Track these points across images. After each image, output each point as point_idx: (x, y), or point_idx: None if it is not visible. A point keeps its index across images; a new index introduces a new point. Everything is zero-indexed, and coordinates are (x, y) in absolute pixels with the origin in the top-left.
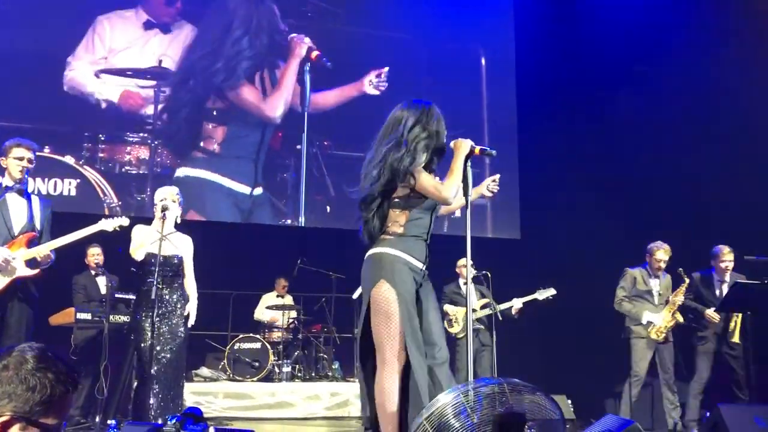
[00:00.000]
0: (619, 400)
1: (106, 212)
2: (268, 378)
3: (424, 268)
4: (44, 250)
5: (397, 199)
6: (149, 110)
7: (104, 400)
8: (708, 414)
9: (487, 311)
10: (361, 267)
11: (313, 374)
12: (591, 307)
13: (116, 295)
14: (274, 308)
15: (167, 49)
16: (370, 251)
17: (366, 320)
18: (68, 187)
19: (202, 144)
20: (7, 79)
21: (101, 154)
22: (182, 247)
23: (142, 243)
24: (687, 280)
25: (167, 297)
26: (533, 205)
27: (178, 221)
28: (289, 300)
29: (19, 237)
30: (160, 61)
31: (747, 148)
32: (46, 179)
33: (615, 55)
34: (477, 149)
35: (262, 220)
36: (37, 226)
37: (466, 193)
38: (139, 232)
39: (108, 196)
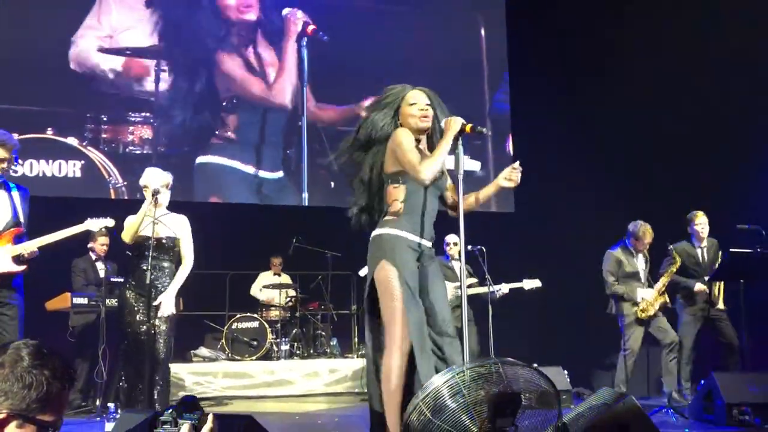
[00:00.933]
0: (613, 372)
1: (113, 194)
2: (267, 356)
3: (426, 245)
4: (32, 246)
5: (391, 175)
6: (151, 89)
7: (103, 384)
8: (702, 382)
9: (473, 291)
10: (358, 245)
11: (312, 351)
12: (586, 279)
13: (112, 279)
14: (270, 287)
15: (169, 28)
16: (373, 233)
17: (369, 301)
18: (73, 168)
19: (214, 128)
20: (9, 62)
21: (104, 135)
22: (177, 227)
23: (133, 227)
24: (678, 260)
25: (158, 282)
26: (528, 178)
27: (166, 204)
28: (285, 278)
29: (5, 233)
30: (161, 40)
31: (739, 120)
32: (51, 161)
33: (610, 22)
34: (468, 127)
35: (270, 200)
36: (22, 219)
37: (457, 172)
38: (131, 219)
39: (113, 176)
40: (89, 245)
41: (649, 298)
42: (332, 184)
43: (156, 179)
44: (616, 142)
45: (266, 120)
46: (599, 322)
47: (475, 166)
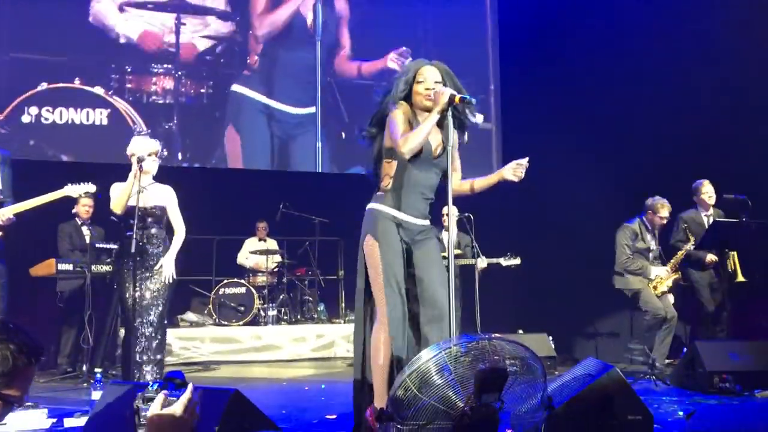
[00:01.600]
0: (600, 338)
1: None
2: (254, 322)
3: (413, 222)
4: (7, 213)
5: (386, 150)
6: (171, 40)
7: (90, 349)
8: (684, 350)
9: (459, 261)
10: (346, 211)
11: (299, 317)
12: (574, 250)
13: (97, 245)
14: (258, 253)
15: None
16: (367, 206)
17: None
18: (100, 116)
19: (229, 70)
20: (35, 14)
21: (129, 85)
22: (164, 197)
23: (123, 197)
24: (691, 239)
25: (150, 249)
26: (516, 149)
27: (154, 173)
28: (272, 244)
29: None
30: None
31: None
32: (79, 109)
33: None
34: (457, 98)
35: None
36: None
37: (446, 144)
38: (117, 187)
39: (137, 124)
40: (73, 210)
41: (662, 274)
42: (343, 134)
43: (142, 147)
44: (606, 113)
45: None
46: (585, 292)
47: (478, 118)
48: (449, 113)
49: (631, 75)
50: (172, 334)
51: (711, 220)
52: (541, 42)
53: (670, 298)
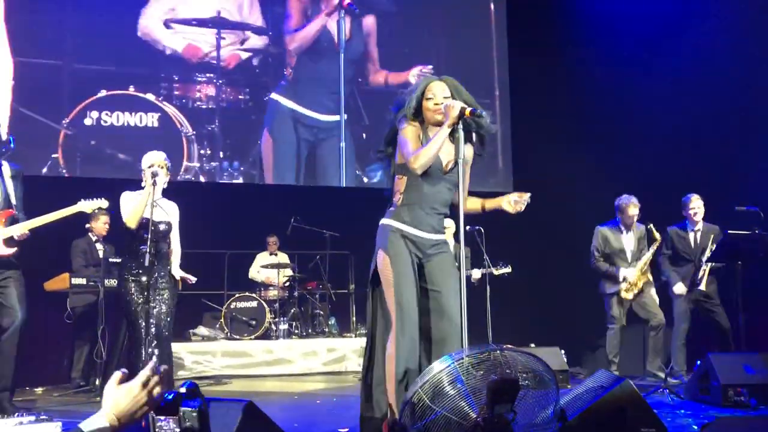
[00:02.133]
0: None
1: (184, 142)
2: (266, 336)
3: (426, 237)
4: (23, 229)
5: (397, 166)
6: (213, 53)
7: (103, 364)
8: (698, 363)
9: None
10: (356, 225)
11: (310, 331)
12: (582, 260)
13: (110, 260)
14: (269, 267)
15: (225, 2)
16: (380, 222)
17: (374, 286)
18: (151, 119)
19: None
20: (89, 27)
21: (176, 92)
22: (171, 213)
23: (138, 210)
24: (658, 239)
25: (158, 263)
26: (525, 159)
27: (165, 186)
28: (283, 258)
29: None
30: (219, 12)
31: (740, 103)
32: (133, 113)
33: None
34: (467, 111)
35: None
36: (13, 201)
37: (457, 158)
38: (129, 199)
39: (184, 126)
40: (87, 225)
41: (631, 278)
42: (364, 135)
43: (157, 160)
44: (613, 121)
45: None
46: (594, 302)
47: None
48: (460, 127)
49: (644, 80)
50: (183, 348)
51: (697, 236)
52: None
53: (652, 300)
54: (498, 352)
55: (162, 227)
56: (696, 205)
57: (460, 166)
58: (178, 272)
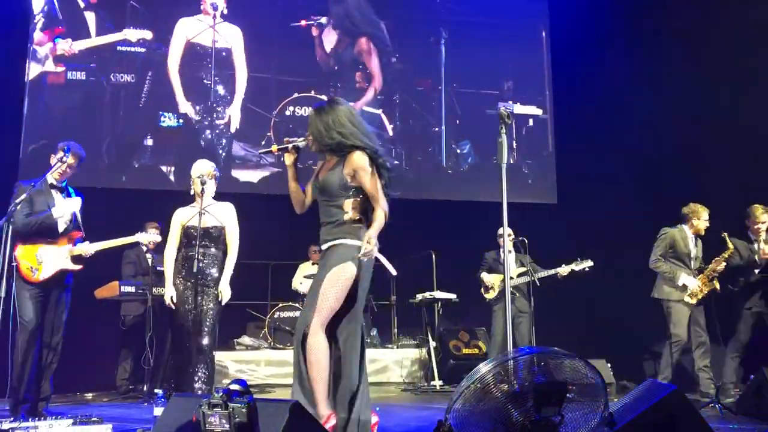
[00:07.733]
0: (658, 362)
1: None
2: None
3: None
4: (91, 250)
5: (355, 188)
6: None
7: (150, 370)
8: (752, 377)
9: (524, 279)
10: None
11: None
12: (627, 270)
13: (158, 268)
14: (311, 277)
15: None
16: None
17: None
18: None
19: None
20: (290, 56)
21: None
22: (224, 216)
23: (180, 227)
24: (731, 247)
25: (205, 270)
26: (570, 170)
27: (212, 194)
28: None
29: (65, 234)
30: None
31: None
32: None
33: (659, 15)
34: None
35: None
36: (80, 222)
37: (500, 161)
38: (177, 215)
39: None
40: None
41: (691, 285)
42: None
43: (202, 169)
44: (661, 126)
45: None
46: (643, 313)
47: (537, 111)
48: (503, 130)
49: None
50: (228, 356)
51: (762, 245)
52: (594, 58)
53: (702, 318)
54: (544, 353)
55: (211, 232)
56: (761, 219)
57: (503, 170)
58: (225, 286)
